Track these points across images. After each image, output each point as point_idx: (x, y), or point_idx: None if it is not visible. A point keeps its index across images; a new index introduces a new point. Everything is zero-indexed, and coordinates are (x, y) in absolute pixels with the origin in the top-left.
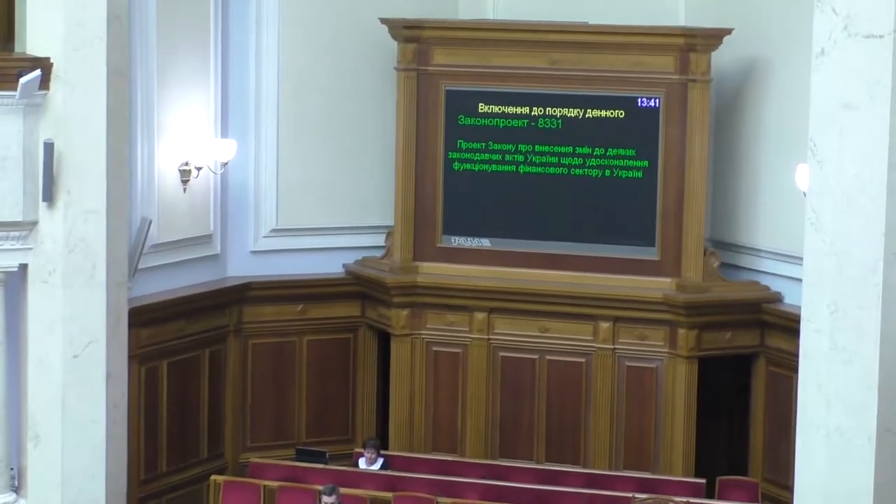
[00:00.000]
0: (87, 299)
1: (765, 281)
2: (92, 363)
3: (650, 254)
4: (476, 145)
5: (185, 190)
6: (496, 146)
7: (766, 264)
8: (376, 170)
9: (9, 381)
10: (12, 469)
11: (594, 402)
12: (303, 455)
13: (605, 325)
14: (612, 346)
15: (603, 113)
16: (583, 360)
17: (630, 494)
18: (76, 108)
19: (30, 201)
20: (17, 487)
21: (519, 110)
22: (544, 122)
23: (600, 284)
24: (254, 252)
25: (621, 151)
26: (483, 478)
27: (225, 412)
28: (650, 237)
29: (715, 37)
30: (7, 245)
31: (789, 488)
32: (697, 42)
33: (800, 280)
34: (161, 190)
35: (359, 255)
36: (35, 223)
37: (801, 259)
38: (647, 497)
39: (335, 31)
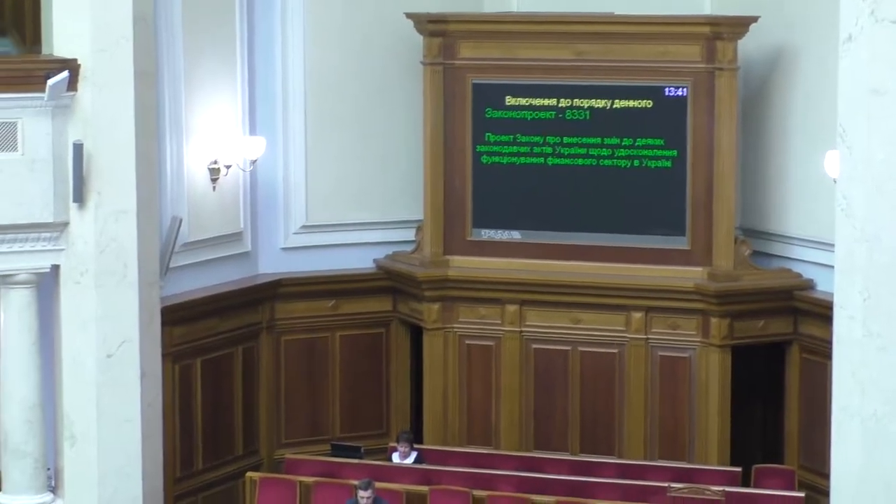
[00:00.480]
0: (120, 299)
1: (796, 268)
2: (126, 363)
3: (681, 243)
4: (504, 138)
5: (214, 188)
6: (524, 138)
7: (798, 251)
8: (405, 164)
9: (44, 381)
10: (49, 469)
11: (628, 392)
12: (337, 450)
13: (637, 315)
14: (644, 336)
15: (630, 103)
16: (615, 350)
17: (665, 484)
18: (104, 108)
19: (60, 202)
20: (53, 487)
21: (546, 102)
22: (572, 114)
23: (631, 275)
24: (284, 249)
25: (650, 141)
26: (518, 470)
27: (259, 409)
28: (680, 227)
29: (741, 25)
30: (39, 246)
31: (825, 475)
32: (723, 30)
33: (832, 267)
34: (190, 189)
35: (389, 250)
36: (66, 224)
37: (833, 246)
38: (683, 486)
39: (360, 26)
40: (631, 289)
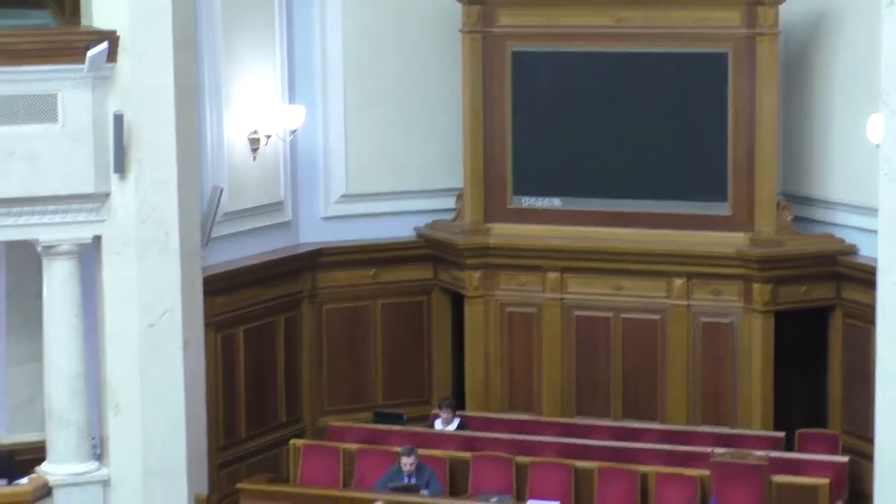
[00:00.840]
0: (162, 269)
1: (839, 233)
2: (168, 332)
3: (722, 209)
4: (543, 105)
5: (254, 158)
6: (564, 105)
7: (840, 217)
8: (445, 132)
9: (87, 351)
10: (94, 438)
11: (670, 358)
12: (380, 417)
13: (678, 281)
14: (686, 303)
15: (671, 69)
16: (657, 317)
17: (709, 449)
18: (144, 79)
19: (101, 173)
20: (99, 456)
21: (586, 69)
22: (612, 80)
23: (673, 241)
24: (325, 218)
25: (690, 107)
26: (560, 436)
27: (302, 377)
28: (722, 192)
29: None
30: (80, 217)
31: (869, 440)
32: None
33: (875, 232)
34: (231, 158)
35: (429, 219)
36: (107, 195)
37: (876, 210)
38: (726, 452)
39: None
40: (672, 255)
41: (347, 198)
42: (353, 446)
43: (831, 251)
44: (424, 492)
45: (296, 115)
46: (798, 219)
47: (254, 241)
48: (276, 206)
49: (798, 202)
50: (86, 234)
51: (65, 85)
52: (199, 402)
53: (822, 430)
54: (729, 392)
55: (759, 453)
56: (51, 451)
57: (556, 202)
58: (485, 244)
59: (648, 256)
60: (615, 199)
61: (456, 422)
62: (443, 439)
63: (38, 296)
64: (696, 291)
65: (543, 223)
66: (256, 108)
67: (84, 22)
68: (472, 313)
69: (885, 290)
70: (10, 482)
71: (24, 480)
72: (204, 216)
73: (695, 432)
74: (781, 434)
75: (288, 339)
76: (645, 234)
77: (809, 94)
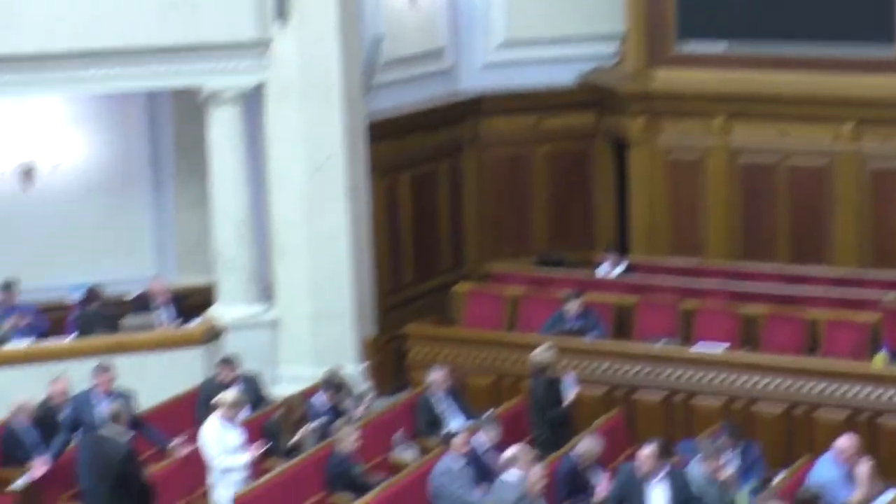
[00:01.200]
0: (325, 115)
1: None
2: (332, 178)
3: (890, 51)
4: None
5: (415, 5)
6: None
7: None
8: None
9: (254, 197)
10: (262, 282)
11: (838, 204)
12: (544, 262)
13: (847, 126)
14: (855, 148)
15: None
16: (825, 162)
17: (879, 294)
18: None
19: (263, 21)
20: (267, 298)
21: None
22: None
23: (840, 85)
24: (485, 65)
25: None
26: (726, 281)
27: (465, 223)
28: (890, 34)
29: None
30: (243, 64)
31: None
32: None
33: None
34: (391, 5)
35: (591, 65)
36: (269, 42)
37: None
38: None
39: None
40: (841, 100)
41: (508, 44)
42: (518, 291)
43: None
44: (589, 336)
45: None
46: None
47: (415, 89)
48: (437, 53)
49: None
50: (249, 81)
51: None
52: (364, 247)
53: None
54: None
55: None
56: (221, 294)
57: (721, 46)
58: (648, 90)
59: (815, 101)
60: (781, 43)
61: (621, 267)
62: (608, 285)
63: (204, 142)
64: (865, 136)
65: (708, 68)
66: None
67: None
68: (636, 160)
69: None
70: (182, 323)
71: (196, 322)
72: (365, 63)
73: (864, 277)
74: None
75: (451, 184)
76: (812, 78)
77: None
